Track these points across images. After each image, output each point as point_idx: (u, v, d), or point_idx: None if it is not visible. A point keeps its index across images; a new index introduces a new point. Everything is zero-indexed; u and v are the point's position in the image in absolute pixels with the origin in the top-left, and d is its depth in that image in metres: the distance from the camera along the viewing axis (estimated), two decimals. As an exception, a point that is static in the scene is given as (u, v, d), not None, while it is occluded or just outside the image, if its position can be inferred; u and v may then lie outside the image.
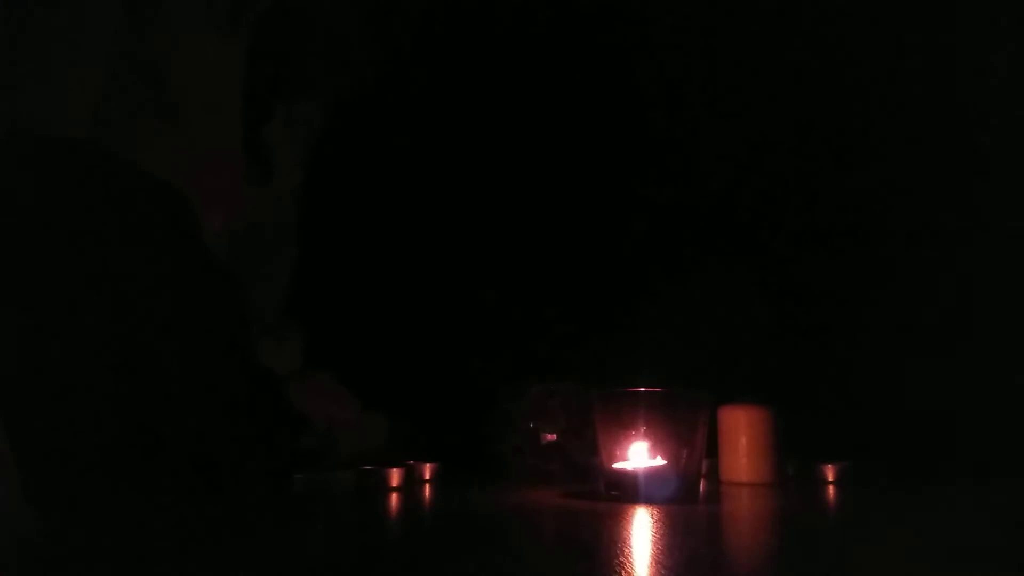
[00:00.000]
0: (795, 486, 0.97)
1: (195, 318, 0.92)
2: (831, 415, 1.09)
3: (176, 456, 0.84)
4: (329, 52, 1.13)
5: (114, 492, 0.77)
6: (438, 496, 0.91)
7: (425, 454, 1.04)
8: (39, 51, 0.82)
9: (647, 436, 0.84)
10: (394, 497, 0.87)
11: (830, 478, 1.00)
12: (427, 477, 1.02)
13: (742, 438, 0.97)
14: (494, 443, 1.09)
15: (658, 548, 0.58)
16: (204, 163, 0.94)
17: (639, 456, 0.84)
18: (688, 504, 0.81)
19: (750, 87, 1.24)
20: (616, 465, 0.85)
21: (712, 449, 0.95)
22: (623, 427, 0.85)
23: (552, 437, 1.05)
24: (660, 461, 0.83)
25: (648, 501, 0.80)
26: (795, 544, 0.65)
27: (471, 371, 1.21)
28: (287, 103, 1.10)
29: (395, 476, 0.93)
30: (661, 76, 1.27)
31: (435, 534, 0.68)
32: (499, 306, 1.26)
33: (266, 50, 1.02)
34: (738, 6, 1.23)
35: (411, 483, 0.97)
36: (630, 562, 0.51)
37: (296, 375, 1.10)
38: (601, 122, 1.29)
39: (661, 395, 0.85)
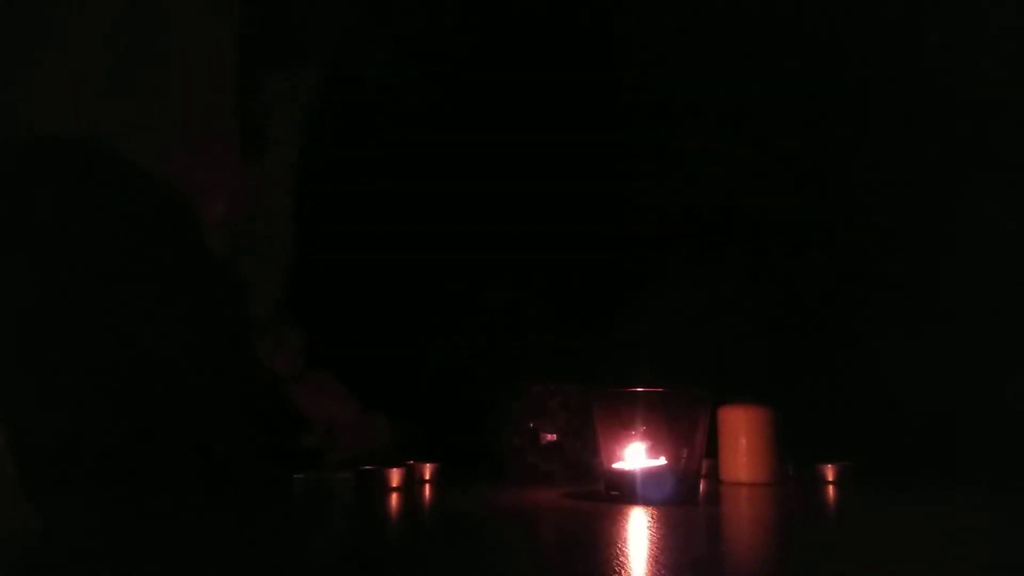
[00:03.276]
0: (795, 486, 0.97)
1: (195, 317, 0.92)
2: (831, 415, 1.09)
3: (176, 456, 0.84)
4: (320, 27, 1.12)
5: (114, 492, 0.77)
6: (438, 496, 0.91)
7: (425, 454, 1.04)
8: (36, 48, 0.82)
9: (647, 436, 0.84)
10: (394, 497, 0.87)
11: (830, 478, 1.00)
12: (427, 477, 1.02)
13: (742, 438, 0.97)
14: (494, 443, 1.08)
15: (657, 548, 0.58)
16: (200, 150, 0.94)
17: (639, 456, 0.84)
18: (688, 504, 0.81)
19: (750, 87, 1.23)
20: (616, 465, 0.85)
21: (712, 449, 0.95)
22: (623, 427, 0.85)
23: (552, 437, 1.05)
24: (660, 461, 0.83)
25: (647, 501, 0.80)
26: (795, 544, 0.65)
27: (471, 371, 1.21)
28: (281, 80, 1.09)
29: (395, 476, 0.93)
30: (662, 78, 1.27)
31: (435, 534, 0.68)
32: (499, 306, 1.26)
33: (255, 23, 1.01)
34: (738, 6, 1.23)
35: (411, 483, 0.97)
36: (629, 562, 0.51)
37: (296, 375, 1.10)
38: (601, 122, 1.29)
39: (660, 395, 0.85)
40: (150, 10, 0.91)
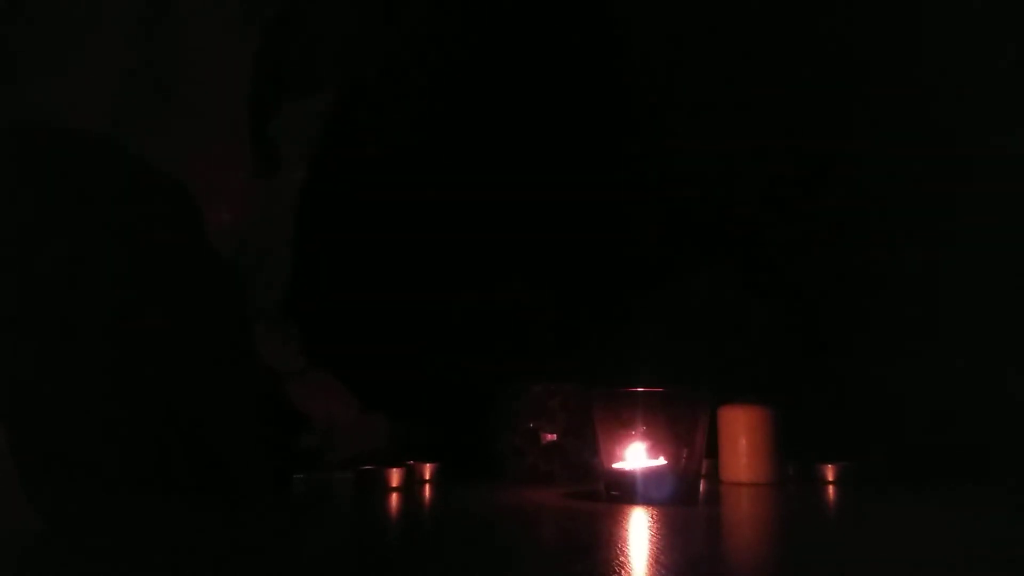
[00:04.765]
0: (795, 486, 0.97)
1: (197, 315, 0.92)
2: (831, 415, 1.09)
3: (176, 455, 0.84)
4: (336, 52, 1.13)
5: (114, 492, 0.77)
6: (438, 496, 0.91)
7: (425, 454, 1.04)
8: (56, 43, 0.82)
9: (647, 436, 0.84)
10: (394, 497, 0.87)
11: (830, 478, 1.00)
12: (427, 477, 1.02)
13: (742, 438, 0.97)
14: (494, 443, 1.08)
15: (658, 548, 0.58)
16: (213, 157, 0.95)
17: (639, 456, 0.84)
18: (688, 504, 0.81)
19: (749, 87, 1.23)
20: (616, 465, 0.85)
21: (712, 449, 0.95)
22: (623, 427, 0.85)
23: (552, 437, 1.05)
24: (660, 461, 0.83)
25: (648, 501, 0.80)
26: (795, 544, 0.65)
27: (470, 371, 1.21)
28: (293, 100, 1.10)
29: (395, 476, 0.93)
30: (660, 76, 1.27)
31: (435, 534, 0.68)
32: (499, 306, 1.26)
33: (275, 49, 1.02)
34: (736, 6, 1.23)
35: (411, 483, 0.97)
36: (629, 562, 0.51)
37: (297, 374, 1.10)
38: (601, 122, 1.29)
39: (661, 395, 0.85)
40: (176, 14, 0.91)
